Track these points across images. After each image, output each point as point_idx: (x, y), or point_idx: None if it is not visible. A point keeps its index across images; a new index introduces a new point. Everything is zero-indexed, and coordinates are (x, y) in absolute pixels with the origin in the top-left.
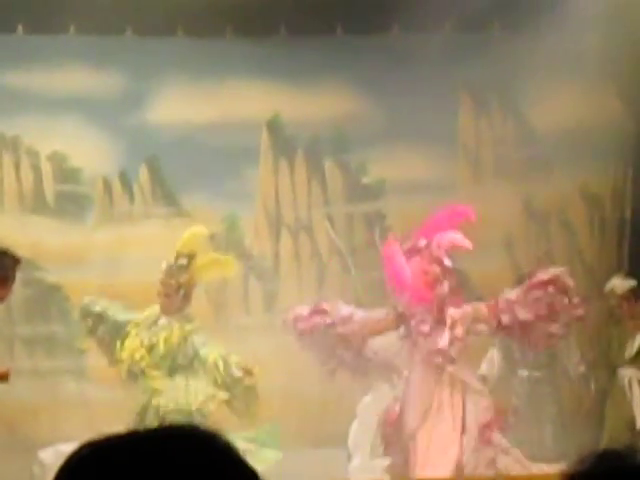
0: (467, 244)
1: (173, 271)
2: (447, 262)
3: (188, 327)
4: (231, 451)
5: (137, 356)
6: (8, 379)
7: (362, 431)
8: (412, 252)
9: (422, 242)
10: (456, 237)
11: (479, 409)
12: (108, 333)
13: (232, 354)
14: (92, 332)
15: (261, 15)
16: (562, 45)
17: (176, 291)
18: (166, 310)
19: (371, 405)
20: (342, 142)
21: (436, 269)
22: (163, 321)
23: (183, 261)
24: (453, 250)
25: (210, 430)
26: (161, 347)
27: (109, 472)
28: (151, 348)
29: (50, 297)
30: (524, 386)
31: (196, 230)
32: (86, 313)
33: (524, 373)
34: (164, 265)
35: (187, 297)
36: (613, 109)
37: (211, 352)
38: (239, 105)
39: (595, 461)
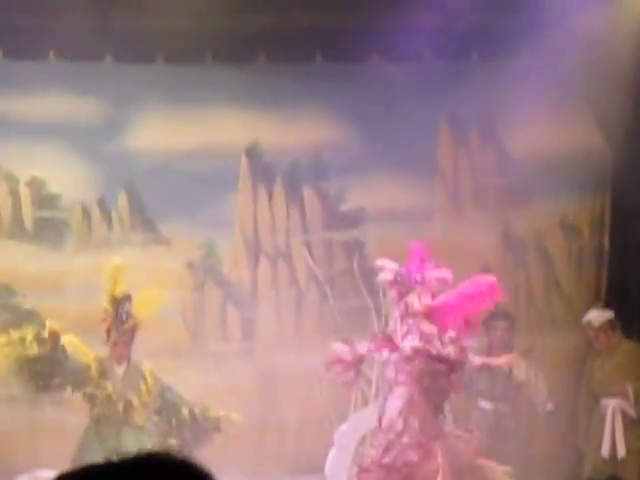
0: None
1: (122, 319)
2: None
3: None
4: (209, 478)
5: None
6: None
7: (339, 459)
8: None
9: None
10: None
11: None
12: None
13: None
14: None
15: (241, 42)
16: (541, 73)
17: (130, 337)
18: (120, 359)
19: (348, 433)
20: (321, 170)
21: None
22: (120, 370)
23: (127, 306)
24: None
25: (187, 458)
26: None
27: None
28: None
29: (27, 323)
30: (487, 419)
31: (115, 264)
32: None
33: (487, 405)
34: (108, 314)
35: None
36: (592, 138)
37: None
38: (218, 132)
39: None
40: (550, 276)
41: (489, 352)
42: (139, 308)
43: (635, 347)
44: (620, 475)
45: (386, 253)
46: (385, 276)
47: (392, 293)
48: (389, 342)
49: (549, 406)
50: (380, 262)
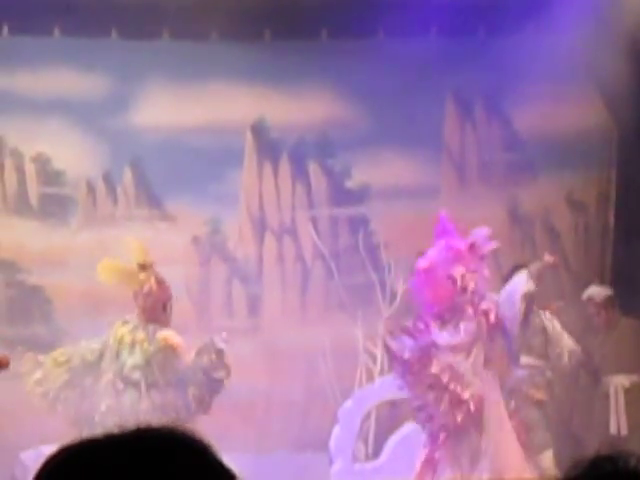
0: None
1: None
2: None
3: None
4: (209, 453)
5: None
6: (8, 365)
7: (344, 435)
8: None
9: None
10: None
11: None
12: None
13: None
14: None
15: (246, 19)
16: (547, 50)
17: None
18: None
19: (353, 409)
20: (326, 146)
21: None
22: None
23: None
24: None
25: (188, 432)
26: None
27: (87, 476)
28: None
29: (32, 299)
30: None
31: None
32: None
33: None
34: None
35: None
36: (598, 115)
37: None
38: (224, 108)
39: (588, 466)
40: (557, 252)
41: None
42: None
43: (636, 324)
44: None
45: (391, 229)
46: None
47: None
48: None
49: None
50: None
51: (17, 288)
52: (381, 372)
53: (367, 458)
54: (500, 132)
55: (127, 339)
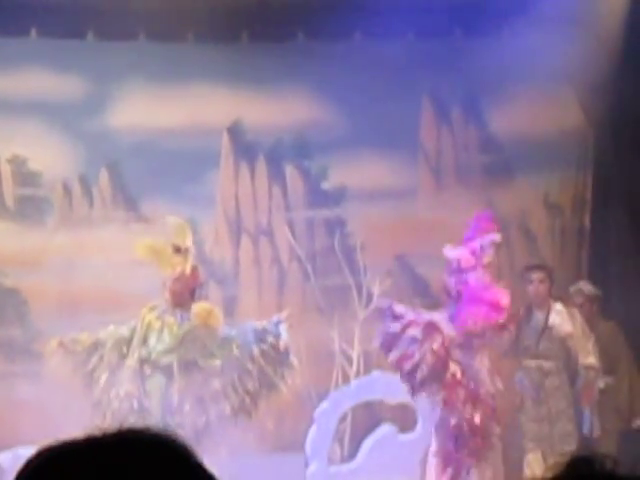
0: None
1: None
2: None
3: None
4: (189, 456)
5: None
6: None
7: (320, 437)
8: None
9: None
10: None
11: None
12: None
13: None
14: None
15: (223, 21)
16: (524, 52)
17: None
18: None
19: (329, 410)
20: (303, 148)
21: None
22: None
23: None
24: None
25: (169, 435)
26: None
27: (66, 478)
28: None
29: (8, 300)
30: (532, 377)
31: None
32: None
33: (531, 363)
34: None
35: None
36: (574, 116)
37: None
38: (200, 110)
39: (566, 468)
40: (533, 255)
41: (527, 305)
42: None
43: (613, 326)
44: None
45: (368, 231)
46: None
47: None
48: None
49: (591, 359)
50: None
51: None
52: (357, 374)
53: (343, 460)
54: (477, 134)
55: (155, 325)
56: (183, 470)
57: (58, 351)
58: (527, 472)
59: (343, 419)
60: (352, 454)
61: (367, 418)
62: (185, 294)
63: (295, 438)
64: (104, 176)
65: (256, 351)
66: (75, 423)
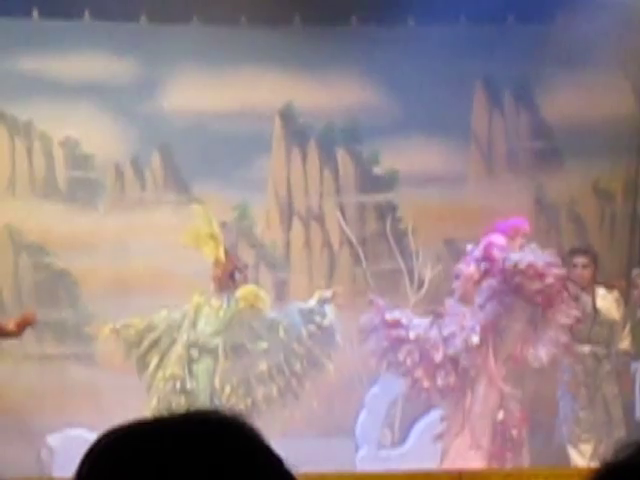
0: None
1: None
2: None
3: None
4: (257, 437)
5: None
6: (35, 322)
7: (370, 422)
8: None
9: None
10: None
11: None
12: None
13: None
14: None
15: (276, 4)
16: (576, 37)
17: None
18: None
19: (380, 396)
20: (355, 132)
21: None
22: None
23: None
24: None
25: (237, 416)
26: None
27: (134, 459)
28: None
29: (60, 283)
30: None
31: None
32: None
33: (584, 349)
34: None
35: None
36: (626, 102)
37: None
38: (252, 93)
39: (635, 451)
40: (582, 241)
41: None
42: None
43: None
44: None
45: (419, 216)
46: None
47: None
48: None
49: (625, 344)
50: None
51: (44, 272)
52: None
53: (393, 444)
54: (528, 120)
55: (204, 309)
56: (252, 451)
57: (110, 337)
58: (579, 462)
59: (394, 404)
60: (402, 439)
61: (418, 403)
62: (225, 278)
63: (345, 422)
64: (156, 159)
65: (304, 332)
66: (126, 406)
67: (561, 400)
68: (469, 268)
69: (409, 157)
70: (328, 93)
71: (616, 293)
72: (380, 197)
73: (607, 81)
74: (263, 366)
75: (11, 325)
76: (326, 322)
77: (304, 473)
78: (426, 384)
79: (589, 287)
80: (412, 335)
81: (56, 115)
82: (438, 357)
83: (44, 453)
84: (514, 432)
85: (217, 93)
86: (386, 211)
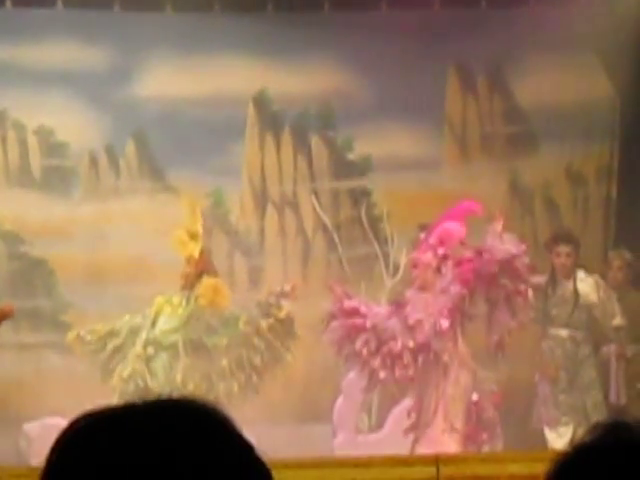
0: (460, 232)
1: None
2: (440, 251)
3: None
4: (228, 424)
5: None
6: (13, 314)
7: (347, 407)
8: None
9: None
10: (450, 226)
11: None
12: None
13: None
14: None
15: None
16: (550, 21)
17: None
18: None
19: (356, 381)
20: (329, 118)
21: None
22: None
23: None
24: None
25: (208, 403)
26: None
27: (106, 443)
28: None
29: (35, 271)
30: (563, 347)
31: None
32: None
33: (562, 333)
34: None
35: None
36: (600, 87)
37: None
38: (226, 80)
39: (604, 434)
40: (556, 225)
41: (552, 276)
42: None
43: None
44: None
45: (394, 201)
46: None
47: None
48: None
49: (618, 320)
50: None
51: (20, 260)
52: None
53: (370, 430)
54: (501, 104)
55: (165, 308)
56: (223, 437)
57: (76, 342)
58: (557, 444)
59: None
60: (379, 424)
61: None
62: (193, 278)
63: (322, 408)
64: (130, 147)
65: (263, 325)
66: (102, 394)
67: (539, 383)
68: (426, 256)
69: (383, 142)
70: (302, 79)
71: (596, 276)
72: (354, 183)
73: (581, 64)
74: (224, 362)
75: None
76: (283, 315)
77: (282, 459)
78: (382, 375)
79: (571, 273)
80: (369, 324)
81: (30, 103)
82: (397, 347)
83: (21, 442)
84: (489, 413)
85: (190, 80)
86: (360, 197)
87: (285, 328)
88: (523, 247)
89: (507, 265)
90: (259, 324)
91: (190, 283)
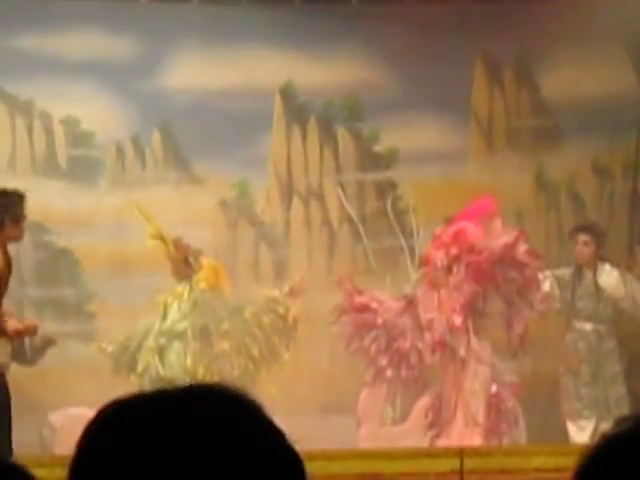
0: (475, 235)
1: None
2: (453, 250)
3: None
4: (260, 411)
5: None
6: (36, 332)
7: (371, 399)
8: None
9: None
10: (466, 227)
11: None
12: None
13: None
14: None
15: None
16: (578, 15)
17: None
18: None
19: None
20: (355, 110)
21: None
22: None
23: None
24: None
25: (239, 390)
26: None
27: (137, 430)
28: None
29: (60, 260)
30: (587, 341)
31: None
32: None
33: (587, 326)
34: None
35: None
36: (627, 81)
37: None
38: (253, 71)
39: (635, 424)
40: (581, 219)
41: (577, 269)
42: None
43: None
44: None
45: (419, 194)
46: None
47: None
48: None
49: None
50: None
51: (45, 250)
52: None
53: (394, 422)
54: (528, 97)
55: (171, 300)
56: (254, 424)
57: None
58: (578, 438)
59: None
60: (404, 416)
61: (419, 380)
62: (180, 267)
63: (346, 400)
64: (156, 137)
65: (265, 320)
66: (127, 384)
67: (562, 376)
68: (437, 253)
69: (409, 135)
70: (328, 71)
71: (622, 270)
72: (380, 175)
73: (608, 58)
74: (226, 345)
75: (10, 326)
76: (289, 315)
77: (306, 450)
78: (389, 374)
79: (591, 264)
80: (380, 320)
81: (56, 93)
82: (406, 345)
83: (46, 431)
84: (509, 404)
85: (218, 71)
86: (386, 189)
87: (287, 327)
88: (515, 234)
89: (507, 256)
90: (261, 318)
91: (183, 273)
